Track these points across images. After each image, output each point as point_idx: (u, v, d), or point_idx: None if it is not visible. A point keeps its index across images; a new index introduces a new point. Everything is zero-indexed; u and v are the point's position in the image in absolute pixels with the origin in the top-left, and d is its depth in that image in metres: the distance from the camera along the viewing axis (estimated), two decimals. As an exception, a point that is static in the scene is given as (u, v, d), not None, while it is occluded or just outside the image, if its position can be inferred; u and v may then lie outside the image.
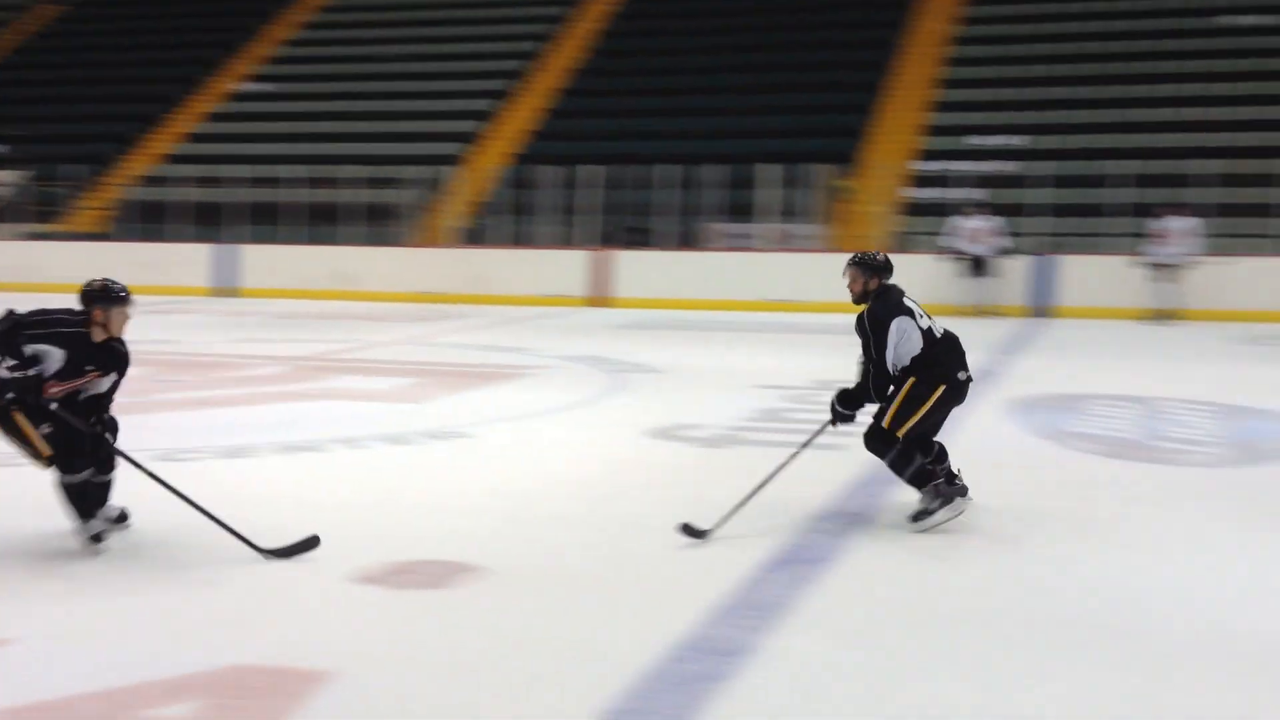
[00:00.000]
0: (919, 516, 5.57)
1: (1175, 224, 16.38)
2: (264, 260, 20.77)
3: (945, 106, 22.44)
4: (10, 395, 4.82)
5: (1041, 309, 17.07)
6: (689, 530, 5.39)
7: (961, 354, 5.72)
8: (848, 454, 7.42)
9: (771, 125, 22.90)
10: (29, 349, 4.92)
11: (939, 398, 5.60)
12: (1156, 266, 16.25)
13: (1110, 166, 19.04)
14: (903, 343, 5.54)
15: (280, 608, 4.49)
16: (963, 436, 8.16)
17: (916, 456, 5.61)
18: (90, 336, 5.03)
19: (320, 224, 21.74)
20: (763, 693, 3.80)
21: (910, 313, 5.61)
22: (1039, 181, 19.40)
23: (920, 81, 23.15)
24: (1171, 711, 3.72)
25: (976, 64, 23.34)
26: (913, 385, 5.56)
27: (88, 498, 5.04)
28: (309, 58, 28.72)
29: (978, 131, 21.58)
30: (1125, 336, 14.75)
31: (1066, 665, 4.06)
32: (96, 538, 5.03)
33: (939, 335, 5.68)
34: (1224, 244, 17.90)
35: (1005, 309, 16.94)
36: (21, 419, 4.91)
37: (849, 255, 5.88)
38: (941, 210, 19.40)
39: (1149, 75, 21.90)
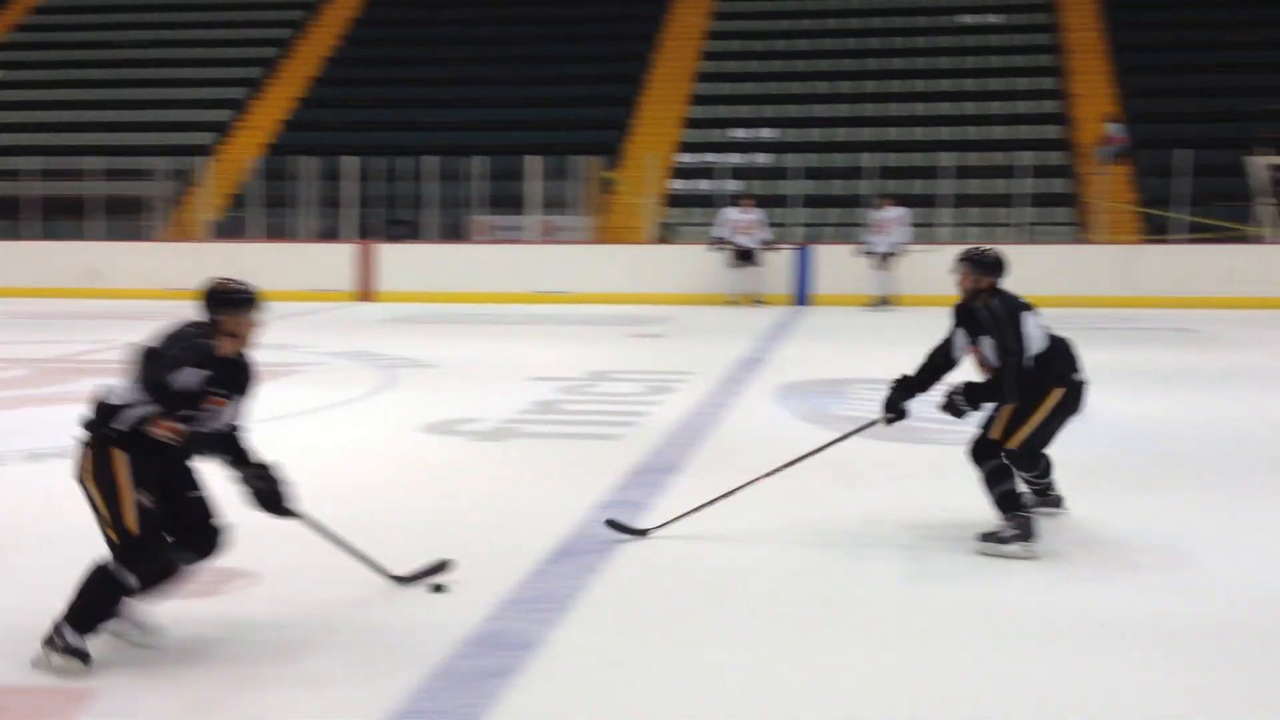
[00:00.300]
0: (989, 538, 5.16)
1: (890, 214, 17.09)
2: (1, 257, 19.51)
3: (704, 100, 22.89)
4: (119, 427, 3.74)
5: (802, 297, 17.62)
6: (619, 527, 5.25)
7: (1075, 356, 5.38)
8: (624, 443, 7.50)
9: (537, 117, 22.90)
10: (175, 381, 3.82)
11: (1055, 405, 5.26)
12: (875, 255, 16.92)
13: (865, 159, 19.79)
14: (1033, 339, 5.22)
15: (41, 625, 4.21)
16: (732, 421, 8.35)
17: (1011, 479, 5.23)
18: (215, 350, 3.94)
19: (63, 218, 20.57)
20: (552, 686, 3.79)
21: (1031, 309, 5.31)
22: (797, 173, 20.01)
23: (680, 75, 23.55)
24: (934, 677, 3.89)
25: (734, 58, 23.90)
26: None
27: (113, 608, 3.84)
28: (43, 43, 27.13)
29: (737, 124, 22.10)
30: (877, 321, 15.36)
31: (854, 639, 4.19)
32: (80, 657, 3.77)
33: (1051, 338, 5.35)
34: (968, 233, 18.86)
35: (769, 298, 17.42)
36: (122, 465, 3.78)
37: (960, 250, 5.51)
38: (704, 202, 19.80)
39: (902, 71, 22.87)
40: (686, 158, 21.46)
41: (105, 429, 3.80)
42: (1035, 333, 5.23)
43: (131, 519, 3.78)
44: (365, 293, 18.71)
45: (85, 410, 3.91)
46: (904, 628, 4.31)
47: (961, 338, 5.40)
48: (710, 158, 21.10)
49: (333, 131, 23.05)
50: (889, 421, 5.49)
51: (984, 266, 5.35)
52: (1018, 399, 5.20)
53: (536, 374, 10.44)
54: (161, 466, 3.89)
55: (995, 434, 5.26)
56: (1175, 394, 9.69)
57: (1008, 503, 5.18)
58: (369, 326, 14.97)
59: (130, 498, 3.78)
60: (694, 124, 22.33)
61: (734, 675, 3.89)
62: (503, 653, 4.02)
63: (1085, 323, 15.20)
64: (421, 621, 4.31)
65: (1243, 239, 18.17)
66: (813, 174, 20.17)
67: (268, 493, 4.11)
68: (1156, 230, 18.64)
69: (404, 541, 5.38)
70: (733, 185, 19.93)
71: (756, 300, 17.24)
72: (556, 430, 8.03)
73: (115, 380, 3.93)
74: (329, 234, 20.38)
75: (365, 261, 18.90)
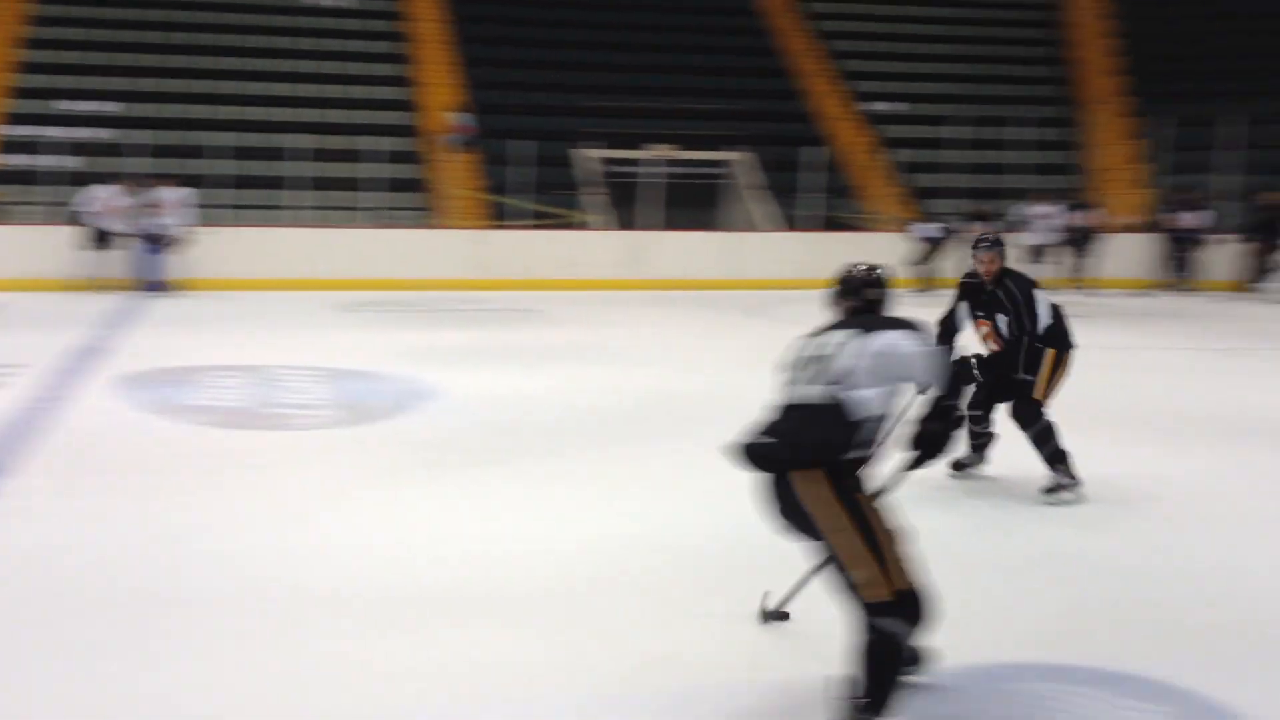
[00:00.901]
0: (1054, 491, 5.91)
1: (168, 195, 16.51)
2: None
3: (31, 68, 20.95)
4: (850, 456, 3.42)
5: (153, 283, 16.65)
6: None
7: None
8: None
9: None
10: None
11: (1068, 363, 6.03)
12: (149, 238, 16.20)
13: (206, 137, 19.09)
14: (1044, 314, 5.97)
15: None
16: (69, 418, 7.75)
17: (1057, 436, 5.93)
18: None
19: None
20: None
21: (1038, 286, 6.10)
22: (141, 150, 18.89)
23: (2, 39, 21.38)
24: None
25: (63, 24, 22.08)
26: (1056, 356, 5.98)
27: (900, 669, 3.37)
28: None
29: (68, 96, 20.47)
30: (225, 309, 14.84)
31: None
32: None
33: (1055, 308, 6.08)
34: (317, 216, 18.82)
35: (118, 283, 16.27)
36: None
37: (979, 239, 6.21)
38: (33, 179, 18.21)
39: (239, 49, 22.23)
40: (14, 130, 19.52)
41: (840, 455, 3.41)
42: (1044, 309, 6.00)
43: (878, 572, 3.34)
44: None
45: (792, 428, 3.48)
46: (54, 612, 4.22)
47: (964, 311, 6.14)
48: (51, 131, 19.32)
49: None
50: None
51: (1005, 249, 6.12)
52: (1025, 371, 5.95)
53: None
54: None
55: (1039, 394, 5.98)
56: (519, 370, 10.28)
57: (1059, 457, 5.98)
58: None
59: (878, 526, 3.38)
60: (22, 94, 20.36)
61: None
62: None
63: (436, 305, 15.80)
64: None
65: (570, 225, 19.71)
66: (161, 152, 19.11)
67: (939, 434, 3.64)
68: (501, 216, 19.68)
69: None
70: (71, 161, 18.46)
71: (102, 285, 16.06)
72: None
73: (846, 387, 3.43)
74: None
75: None
